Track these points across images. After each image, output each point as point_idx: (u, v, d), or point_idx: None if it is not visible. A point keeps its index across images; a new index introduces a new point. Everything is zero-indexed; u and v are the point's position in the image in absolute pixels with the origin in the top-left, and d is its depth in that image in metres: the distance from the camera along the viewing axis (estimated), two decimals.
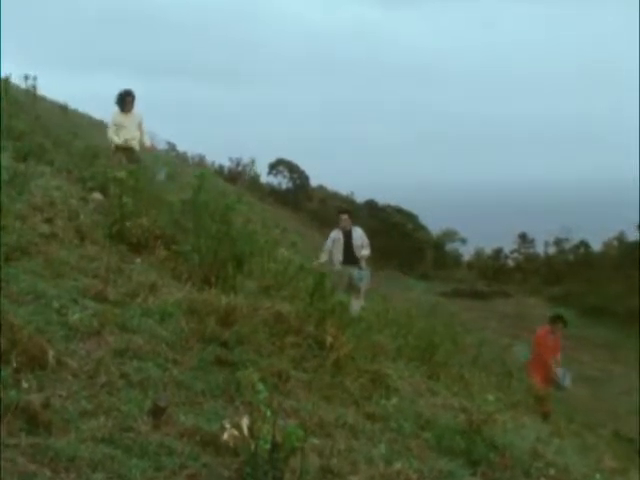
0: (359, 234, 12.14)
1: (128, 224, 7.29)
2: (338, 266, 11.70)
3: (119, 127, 12.49)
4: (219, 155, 61.01)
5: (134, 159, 12.09)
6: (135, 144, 12.49)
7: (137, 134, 12.60)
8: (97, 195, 8.82)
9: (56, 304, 4.81)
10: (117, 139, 12.35)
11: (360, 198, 63.12)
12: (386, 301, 14.29)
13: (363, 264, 11.89)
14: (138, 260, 6.88)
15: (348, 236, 11.99)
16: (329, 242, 12.03)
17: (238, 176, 56.74)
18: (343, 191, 65.39)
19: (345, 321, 6.63)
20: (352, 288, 11.44)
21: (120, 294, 5.57)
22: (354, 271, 11.68)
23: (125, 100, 12.57)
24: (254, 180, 58.91)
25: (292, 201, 59.22)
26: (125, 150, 12.28)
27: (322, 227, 55.42)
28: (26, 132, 9.97)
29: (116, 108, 12.66)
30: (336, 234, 12.04)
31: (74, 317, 4.68)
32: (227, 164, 59.59)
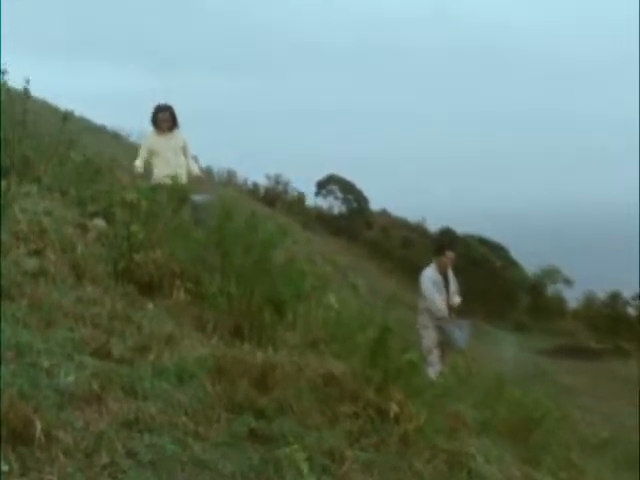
0: (452, 276, 12.07)
1: (138, 259, 7.35)
2: (443, 313, 11.60)
3: (155, 154, 12.08)
4: (253, 170, 61.54)
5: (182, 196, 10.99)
6: (181, 174, 11.77)
7: (181, 161, 12.18)
8: (99, 222, 8.91)
9: (45, 362, 4.83)
10: (143, 167, 11.89)
11: (433, 226, 63.00)
12: (468, 359, 14.16)
13: (454, 316, 11.80)
14: (150, 305, 6.92)
15: (446, 278, 11.92)
16: (432, 285, 11.85)
17: (277, 197, 57.12)
18: (411, 217, 65.38)
19: (415, 386, 6.58)
20: (447, 346, 11.37)
21: (127, 349, 5.60)
22: (453, 327, 11.55)
23: (159, 117, 12.19)
24: (298, 202, 59.21)
25: (346, 229, 59.31)
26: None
27: (383, 262, 55.47)
28: (7, 140, 10.09)
29: (150, 129, 12.37)
30: (434, 275, 11.91)
31: (68, 379, 4.70)
32: (263, 182, 60.07)
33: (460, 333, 11.57)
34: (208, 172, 45.71)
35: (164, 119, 12.22)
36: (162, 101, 12.39)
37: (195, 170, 12.63)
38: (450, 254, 12.10)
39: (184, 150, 12.35)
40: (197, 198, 10.84)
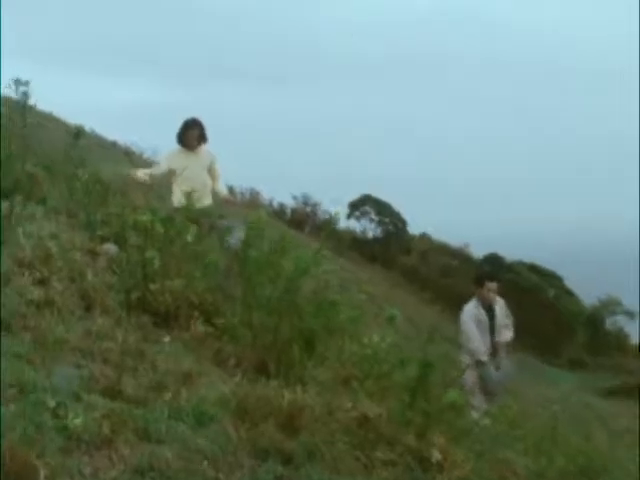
0: (503, 308, 11.81)
1: (153, 288, 7.36)
2: (483, 356, 11.42)
3: (179, 173, 11.95)
4: (279, 190, 61.56)
5: (205, 220, 11.00)
6: (205, 196, 11.77)
7: (207, 181, 12.21)
8: (110, 247, 8.93)
9: (50, 402, 4.83)
10: (176, 193, 11.67)
11: (478, 252, 62.69)
12: (519, 400, 14.05)
13: (502, 354, 11.61)
14: (167, 339, 6.92)
15: (491, 313, 11.73)
16: (472, 323, 11.69)
17: (306, 219, 57.15)
18: (454, 241, 65.05)
19: (460, 430, 6.53)
20: (485, 389, 11.23)
21: (141, 387, 5.59)
22: (492, 367, 11.37)
23: (187, 134, 12.22)
24: (329, 225, 59.05)
25: (382, 254, 59.16)
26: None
27: (422, 291, 55.25)
28: (10, 157, 10.13)
29: (176, 146, 12.40)
30: (477, 310, 11.70)
31: (76, 420, 4.69)
32: (290, 203, 60.16)
33: (497, 373, 11.39)
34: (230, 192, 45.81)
35: (193, 136, 12.23)
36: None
37: (223, 191, 12.67)
38: (491, 285, 11.85)
39: (211, 169, 12.36)
40: (225, 222, 10.82)
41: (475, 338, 11.50)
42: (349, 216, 61.86)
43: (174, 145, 12.34)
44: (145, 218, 7.77)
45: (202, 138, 12.35)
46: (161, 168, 12.20)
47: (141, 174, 12.20)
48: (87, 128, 29.48)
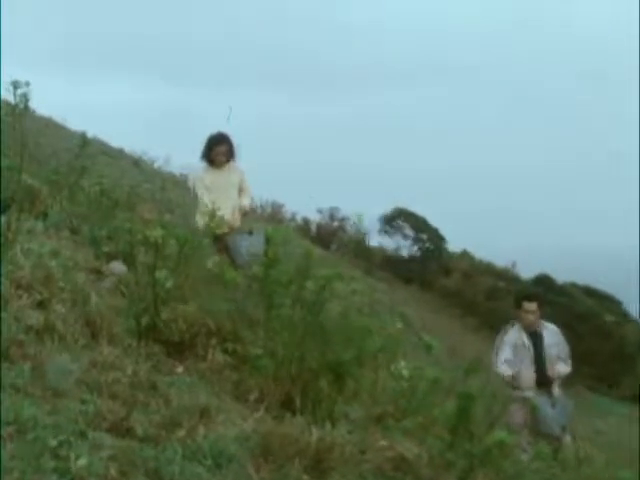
0: (555, 337, 11.65)
1: (165, 313, 7.36)
2: (528, 391, 11.30)
3: (207, 192, 11.97)
4: (303, 204, 61.43)
5: (231, 240, 11.42)
6: (233, 216, 11.88)
7: (237, 202, 12.16)
8: (117, 266, 8.95)
9: (52, 441, 4.82)
10: (201, 214, 11.39)
11: (526, 272, 62.32)
12: (573, 437, 13.96)
13: (557, 389, 11.48)
14: (180, 369, 6.93)
15: (537, 340, 11.60)
16: (505, 348, 11.58)
17: (332, 236, 57.11)
18: (499, 261, 64.69)
19: (507, 474, 6.51)
20: (537, 429, 11.09)
21: (152, 424, 5.59)
22: (546, 404, 11.25)
23: (215, 150, 12.22)
24: (358, 242, 59.02)
25: (419, 275, 58.93)
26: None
27: (464, 316, 54.98)
28: (7, 167, 10.15)
29: (202, 163, 12.40)
30: (516, 336, 11.58)
31: (80, 462, 4.68)
32: (315, 217, 60.06)
33: (553, 412, 11.27)
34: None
35: (221, 153, 12.22)
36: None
37: (245, 205, 12.47)
38: (529, 305, 11.67)
39: (241, 187, 12.29)
40: (238, 237, 10.84)
41: (499, 362, 11.44)
42: (381, 231, 61.49)
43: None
44: (156, 233, 7.74)
45: (230, 154, 12.29)
46: (204, 194, 11.98)
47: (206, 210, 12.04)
48: (89, 134, 29.65)
